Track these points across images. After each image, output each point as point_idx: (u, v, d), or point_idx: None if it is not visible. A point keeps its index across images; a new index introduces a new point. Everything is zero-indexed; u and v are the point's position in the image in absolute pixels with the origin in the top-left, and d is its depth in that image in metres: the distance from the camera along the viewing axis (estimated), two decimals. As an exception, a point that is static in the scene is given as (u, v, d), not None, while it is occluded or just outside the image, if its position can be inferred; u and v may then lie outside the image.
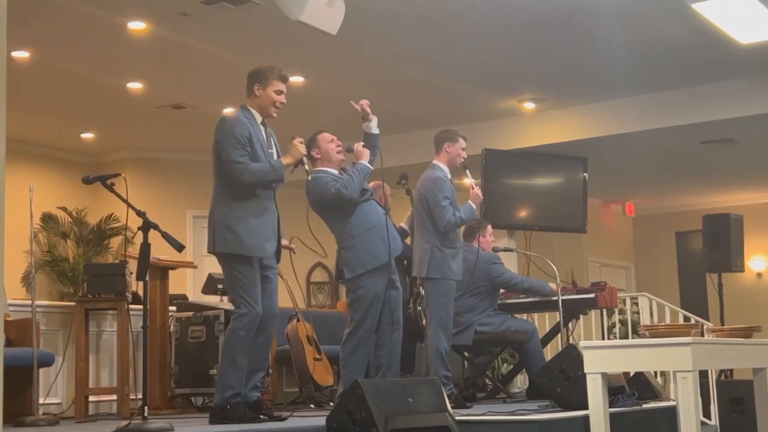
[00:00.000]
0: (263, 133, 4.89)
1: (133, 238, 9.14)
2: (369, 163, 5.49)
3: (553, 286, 7.16)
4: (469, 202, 6.05)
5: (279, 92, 4.88)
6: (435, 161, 6.16)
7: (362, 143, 5.51)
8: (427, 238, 5.98)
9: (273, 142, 4.97)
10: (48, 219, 10.42)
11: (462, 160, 6.17)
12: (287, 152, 4.89)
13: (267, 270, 4.82)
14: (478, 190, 6.10)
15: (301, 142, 4.91)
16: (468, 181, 6.25)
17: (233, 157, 4.69)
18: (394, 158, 9.31)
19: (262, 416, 4.65)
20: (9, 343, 5.40)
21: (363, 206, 5.46)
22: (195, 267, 7.40)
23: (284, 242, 5.17)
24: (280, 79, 4.91)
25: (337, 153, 5.54)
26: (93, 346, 6.29)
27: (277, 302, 4.93)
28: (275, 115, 4.93)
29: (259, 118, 4.88)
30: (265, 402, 5.07)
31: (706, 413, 7.75)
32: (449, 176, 6.14)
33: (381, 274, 5.42)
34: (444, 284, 5.96)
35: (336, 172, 5.54)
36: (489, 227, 7.37)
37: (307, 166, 4.95)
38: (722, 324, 9.04)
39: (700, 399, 4.48)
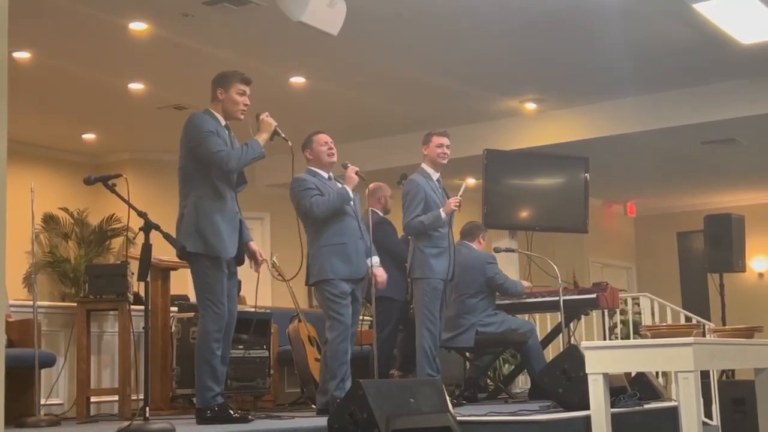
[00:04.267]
0: (227, 134, 4.94)
1: (134, 238, 9.13)
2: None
3: (525, 283, 7.30)
4: (441, 209, 6.04)
5: (241, 93, 4.93)
6: (421, 164, 6.27)
7: (357, 169, 5.54)
8: (413, 239, 6.13)
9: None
10: (49, 220, 10.42)
11: (442, 156, 6.19)
12: (257, 130, 4.95)
13: (230, 276, 4.90)
14: (453, 201, 6.05)
15: (267, 115, 4.97)
16: (460, 194, 6.18)
17: (213, 148, 4.79)
18: (395, 159, 9.35)
19: (251, 416, 4.75)
20: (10, 343, 5.40)
21: (342, 219, 5.46)
22: (196, 267, 7.38)
23: (255, 248, 5.13)
24: (242, 81, 4.96)
25: (328, 156, 5.56)
26: (94, 346, 6.29)
27: (236, 306, 5.01)
28: (241, 117, 4.98)
29: (222, 122, 4.96)
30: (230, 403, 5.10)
31: (708, 414, 7.75)
32: (435, 177, 6.19)
33: (345, 279, 5.43)
34: (426, 283, 5.99)
35: (325, 175, 5.57)
36: (486, 232, 7.46)
37: (283, 135, 5.00)
38: (724, 324, 9.05)
39: (701, 399, 4.49)
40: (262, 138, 4.91)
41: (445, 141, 6.21)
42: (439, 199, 6.10)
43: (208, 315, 4.76)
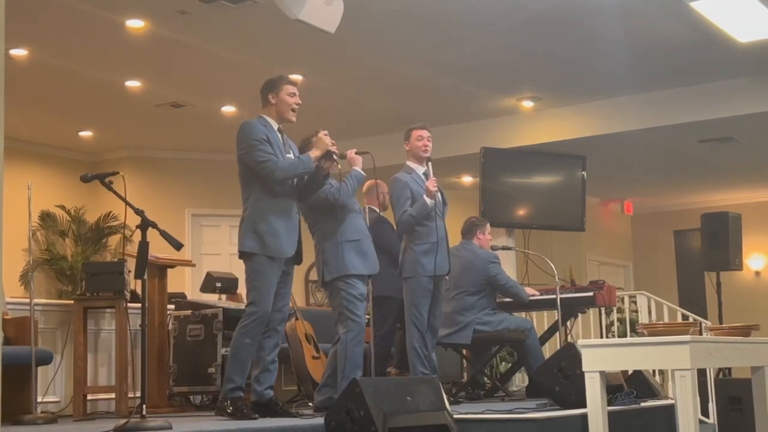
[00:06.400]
0: (280, 138, 5.07)
1: (131, 236, 9.12)
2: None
3: (530, 290, 7.37)
4: (423, 196, 5.95)
5: (292, 94, 5.11)
6: (406, 162, 6.22)
7: (355, 150, 5.52)
8: (405, 238, 6.08)
9: (290, 150, 5.12)
10: (46, 217, 10.42)
11: (424, 149, 6.12)
12: (313, 146, 5.10)
13: (284, 275, 5.02)
14: (430, 183, 5.93)
15: (326, 134, 5.11)
16: (431, 176, 6.06)
17: (260, 157, 4.91)
18: (392, 157, 9.29)
19: (255, 416, 4.77)
20: (7, 341, 5.40)
21: (353, 216, 5.46)
22: (193, 265, 7.40)
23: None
24: (289, 82, 5.16)
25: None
26: (91, 344, 6.29)
27: (288, 306, 5.13)
28: (293, 118, 5.12)
29: (275, 125, 5.08)
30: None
31: (705, 412, 7.76)
32: (420, 171, 6.11)
33: (361, 279, 5.43)
34: (415, 282, 5.94)
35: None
36: (488, 225, 7.38)
37: (336, 157, 5.15)
38: (721, 322, 9.04)
39: (698, 397, 4.49)
40: (315, 155, 5.05)
41: (425, 133, 6.14)
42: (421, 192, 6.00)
43: (249, 310, 4.90)
